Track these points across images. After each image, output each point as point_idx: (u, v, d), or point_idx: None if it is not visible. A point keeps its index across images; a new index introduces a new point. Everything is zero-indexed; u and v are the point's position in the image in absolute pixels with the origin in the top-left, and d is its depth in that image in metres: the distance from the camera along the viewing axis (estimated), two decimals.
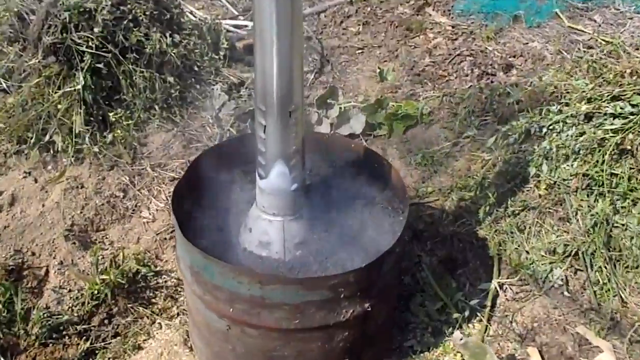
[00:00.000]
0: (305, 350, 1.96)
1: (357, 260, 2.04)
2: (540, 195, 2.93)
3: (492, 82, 3.81)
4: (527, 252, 2.79)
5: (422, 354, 2.40)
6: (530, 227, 2.86)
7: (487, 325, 2.51)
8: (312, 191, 2.19)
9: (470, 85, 3.79)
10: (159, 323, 2.67)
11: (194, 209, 2.24)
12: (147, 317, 2.68)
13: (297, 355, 1.98)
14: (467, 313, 2.53)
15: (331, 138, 2.42)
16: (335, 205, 2.18)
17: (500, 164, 3.11)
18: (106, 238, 2.89)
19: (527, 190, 2.99)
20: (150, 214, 3.00)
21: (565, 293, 2.63)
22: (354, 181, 2.28)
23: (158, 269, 2.82)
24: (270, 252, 2.06)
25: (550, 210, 2.88)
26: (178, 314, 2.70)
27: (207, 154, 2.26)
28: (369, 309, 1.93)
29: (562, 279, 2.67)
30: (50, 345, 2.49)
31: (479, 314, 2.56)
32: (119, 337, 2.60)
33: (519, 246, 2.81)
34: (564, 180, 2.89)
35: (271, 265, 2.04)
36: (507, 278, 2.70)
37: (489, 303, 2.59)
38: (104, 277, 2.63)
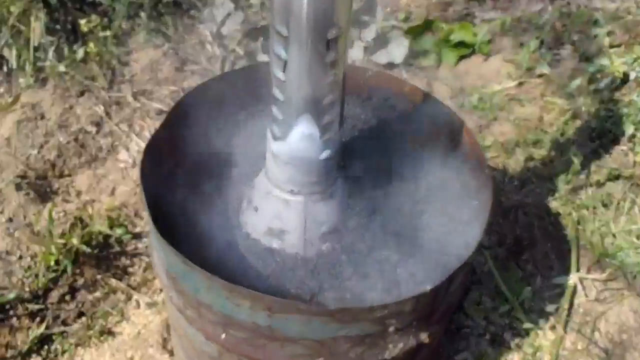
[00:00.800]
0: None
1: (410, 261, 1.40)
2: (635, 162, 2.25)
3: (568, 3, 3.01)
4: (614, 236, 2.14)
5: None
6: (619, 203, 2.20)
7: (562, 336, 1.91)
8: (348, 158, 1.51)
9: (542, 8, 2.98)
10: (137, 300, 2.09)
11: (176, 171, 1.58)
12: (122, 292, 2.10)
13: None
14: (539, 319, 1.93)
15: (375, 76, 1.70)
16: (380, 180, 1.51)
17: (584, 116, 2.40)
18: (72, 187, 2.26)
19: (618, 154, 2.31)
20: (130, 156, 2.35)
21: None
22: (408, 143, 1.60)
23: (138, 230, 2.20)
24: (284, 244, 1.42)
25: None
26: (162, 290, 2.11)
27: (197, 93, 1.57)
28: (426, 341, 1.32)
29: None
30: None
31: (552, 318, 1.96)
32: (83, 318, 2.03)
33: (602, 226, 2.17)
34: None
35: (285, 263, 1.41)
36: (589, 272, 2.07)
37: (565, 305, 1.97)
38: (65, 240, 2.03)
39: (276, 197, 1.40)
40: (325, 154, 1.30)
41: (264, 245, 1.43)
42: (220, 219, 1.50)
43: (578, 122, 2.40)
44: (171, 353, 1.81)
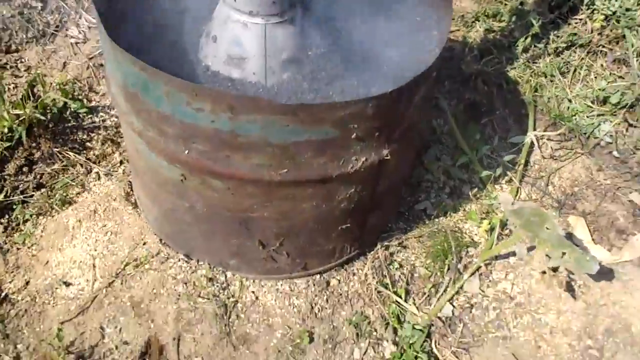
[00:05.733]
0: (293, 212, 1.39)
1: (373, 86, 1.40)
2: (593, 30, 2.29)
3: None
4: (570, 101, 2.20)
5: (437, 219, 1.88)
6: (576, 70, 2.25)
7: (518, 188, 1.98)
8: None
9: None
10: (97, 173, 2.05)
11: (131, 10, 1.52)
12: (81, 165, 2.05)
13: (280, 219, 1.41)
14: (496, 171, 1.98)
15: None
16: (339, 9, 1.49)
17: None
18: (20, 62, 2.16)
19: (577, 23, 2.33)
20: (80, 32, 2.25)
21: (614, 153, 2.09)
22: None
23: (93, 104, 2.14)
24: (244, 73, 1.40)
25: (604, 49, 2.25)
26: (121, 162, 2.08)
27: None
28: (387, 157, 1.34)
29: (610, 136, 2.12)
30: None
31: (508, 172, 2.02)
32: (43, 189, 1.98)
33: (560, 92, 2.22)
34: (628, 10, 2.23)
35: (246, 92, 1.39)
36: (544, 131, 2.13)
37: (522, 160, 2.04)
38: (17, 111, 1.95)
39: (235, 22, 1.36)
40: None
41: (224, 76, 1.41)
42: (178, 56, 1.47)
43: None
44: (135, 205, 1.80)
